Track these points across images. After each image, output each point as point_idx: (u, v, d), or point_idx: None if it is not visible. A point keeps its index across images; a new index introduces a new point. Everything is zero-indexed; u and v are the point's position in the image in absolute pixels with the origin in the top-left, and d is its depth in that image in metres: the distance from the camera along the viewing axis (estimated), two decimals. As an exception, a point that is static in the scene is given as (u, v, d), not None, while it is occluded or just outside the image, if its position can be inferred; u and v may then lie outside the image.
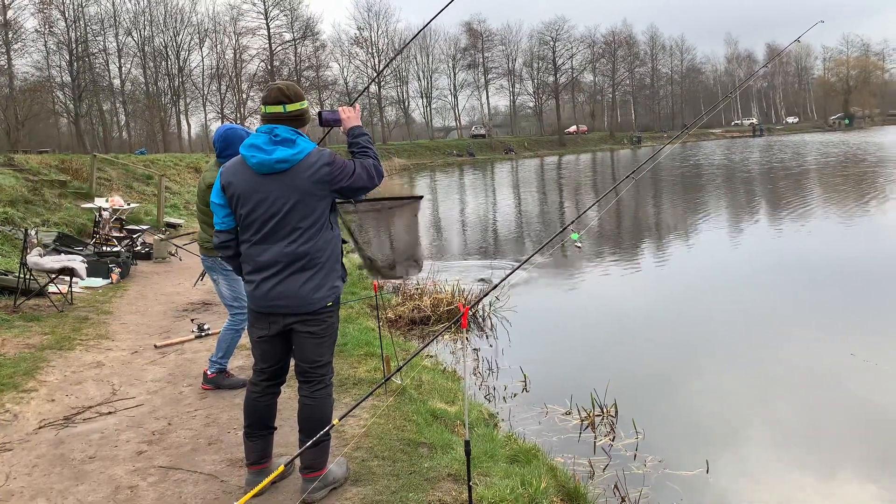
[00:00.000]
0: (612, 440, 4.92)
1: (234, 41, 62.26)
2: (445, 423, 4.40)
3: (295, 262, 3.13)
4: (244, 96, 65.05)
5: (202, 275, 8.30)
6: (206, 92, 63.60)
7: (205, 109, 64.65)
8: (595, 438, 4.99)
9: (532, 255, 3.39)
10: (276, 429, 3.46)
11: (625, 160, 51.11)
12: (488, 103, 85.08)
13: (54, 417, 4.69)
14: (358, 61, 73.43)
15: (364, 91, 6.29)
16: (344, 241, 3.37)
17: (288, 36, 63.36)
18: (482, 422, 4.77)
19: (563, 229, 3.32)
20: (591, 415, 5.24)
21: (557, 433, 5.07)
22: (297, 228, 3.11)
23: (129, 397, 5.08)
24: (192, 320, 7.22)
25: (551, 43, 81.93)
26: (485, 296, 3.50)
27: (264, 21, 60.81)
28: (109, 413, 4.75)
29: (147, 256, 11.84)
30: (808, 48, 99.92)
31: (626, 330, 7.84)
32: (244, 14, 62.67)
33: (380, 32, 73.35)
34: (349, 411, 3.50)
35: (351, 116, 3.34)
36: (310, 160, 3.10)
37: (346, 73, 73.28)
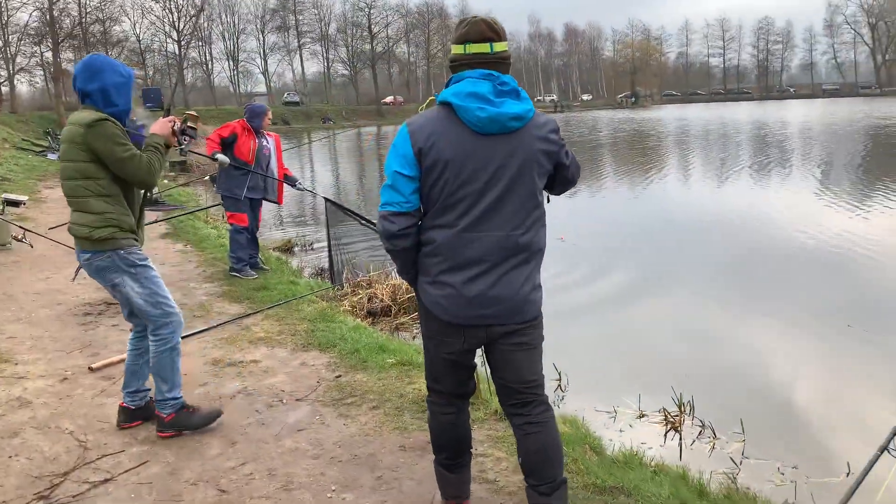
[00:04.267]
0: (713, 446, 4.43)
1: (-1, -17, 52.91)
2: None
3: (515, 255, 2.34)
4: (13, 50, 55.96)
5: (79, 268, 6.50)
6: (-42, 43, 53.67)
7: (-41, 63, 54.57)
8: (691, 444, 4.48)
9: None
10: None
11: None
12: (302, 69, 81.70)
13: (17, 498, 3.17)
14: (153, 16, 66.78)
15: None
16: None
17: (71, -18, 55.16)
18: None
19: None
20: (670, 415, 4.71)
21: (649, 439, 4.47)
22: (522, 210, 2.30)
23: (114, 451, 3.63)
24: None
25: (366, 10, 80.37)
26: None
27: (41, -38, 52.24)
28: (106, 481, 3.33)
29: (-26, 243, 9.29)
30: (600, 30, 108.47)
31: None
32: (13, -48, 53.41)
33: (180, -14, 66.91)
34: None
35: None
36: (539, 120, 2.32)
37: (138, 30, 66.45)
